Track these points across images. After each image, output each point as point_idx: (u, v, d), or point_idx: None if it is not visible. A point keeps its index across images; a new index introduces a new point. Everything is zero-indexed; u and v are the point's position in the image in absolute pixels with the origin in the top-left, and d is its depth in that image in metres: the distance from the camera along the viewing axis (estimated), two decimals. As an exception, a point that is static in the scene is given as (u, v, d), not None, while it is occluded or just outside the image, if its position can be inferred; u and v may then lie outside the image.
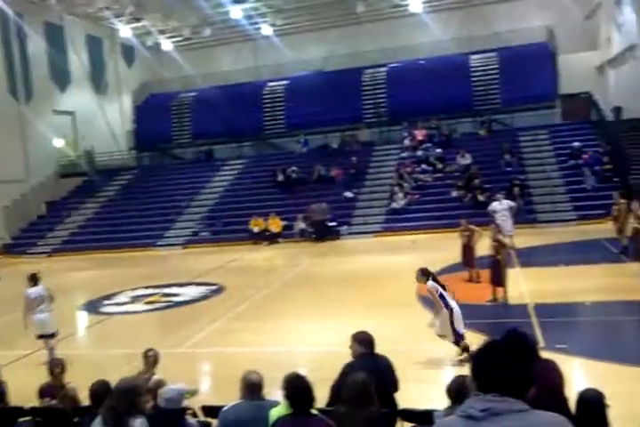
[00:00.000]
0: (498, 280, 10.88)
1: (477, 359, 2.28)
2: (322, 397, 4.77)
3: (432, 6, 31.40)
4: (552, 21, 29.14)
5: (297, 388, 4.37)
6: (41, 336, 9.60)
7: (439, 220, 21.22)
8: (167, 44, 34.46)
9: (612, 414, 3.81)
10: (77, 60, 32.30)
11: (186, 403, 5.22)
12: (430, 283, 8.18)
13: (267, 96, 32.09)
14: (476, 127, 27.83)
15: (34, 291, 9.73)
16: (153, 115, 32.70)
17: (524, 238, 16.68)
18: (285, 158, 28.58)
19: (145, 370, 6.42)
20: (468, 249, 12.96)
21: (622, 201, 15.52)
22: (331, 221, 22.87)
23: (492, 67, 29.13)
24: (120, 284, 16.42)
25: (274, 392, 4.86)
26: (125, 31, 32.32)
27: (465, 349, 7.99)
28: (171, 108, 33.26)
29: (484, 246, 12.00)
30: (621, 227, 15.00)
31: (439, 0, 31.33)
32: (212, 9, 30.02)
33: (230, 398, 5.08)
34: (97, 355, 10.44)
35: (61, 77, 31.38)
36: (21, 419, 5.77)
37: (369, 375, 4.58)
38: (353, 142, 28.66)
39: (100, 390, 5.13)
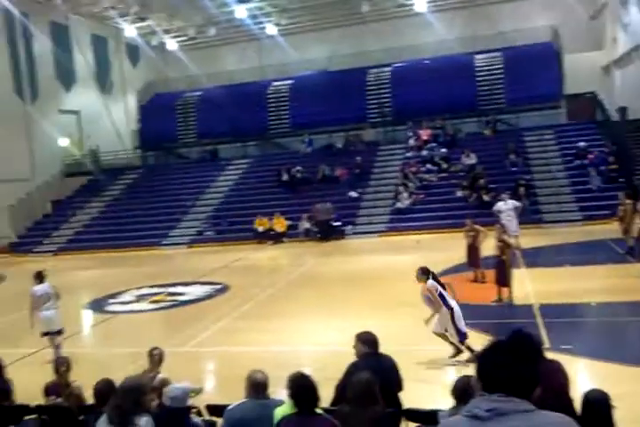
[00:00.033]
0: (503, 280, 10.86)
1: (483, 359, 2.28)
2: (326, 396, 4.78)
3: (437, 6, 31.37)
4: (557, 21, 29.07)
5: (302, 387, 4.38)
6: (46, 334, 9.64)
7: (444, 220, 21.20)
8: (172, 44, 34.53)
9: (618, 414, 3.80)
10: (83, 60, 32.40)
11: (191, 402, 5.23)
12: (430, 282, 8.19)
13: (271, 96, 32.11)
14: (481, 127, 27.79)
15: (40, 288, 9.77)
16: (158, 114, 32.75)
17: (529, 239, 16.65)
18: (290, 158, 28.59)
19: (150, 369, 6.43)
20: (473, 249, 12.94)
21: (628, 201, 15.47)
22: (335, 221, 22.87)
23: (496, 66, 29.07)
24: (125, 283, 16.47)
25: (279, 391, 4.87)
26: (130, 31, 32.40)
27: (468, 348, 7.99)
28: (176, 107, 33.31)
29: (489, 247, 11.98)
30: (627, 227, 14.95)
31: (444, 0, 31.31)
32: (217, 8, 30.06)
33: (235, 397, 5.09)
34: (102, 353, 10.47)
35: (67, 77, 31.48)
36: (27, 417, 5.79)
37: (373, 375, 4.59)
38: (357, 142, 28.65)
39: (105, 389, 5.15)
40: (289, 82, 32.24)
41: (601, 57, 29.27)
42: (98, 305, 14.32)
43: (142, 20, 31.38)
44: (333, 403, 4.99)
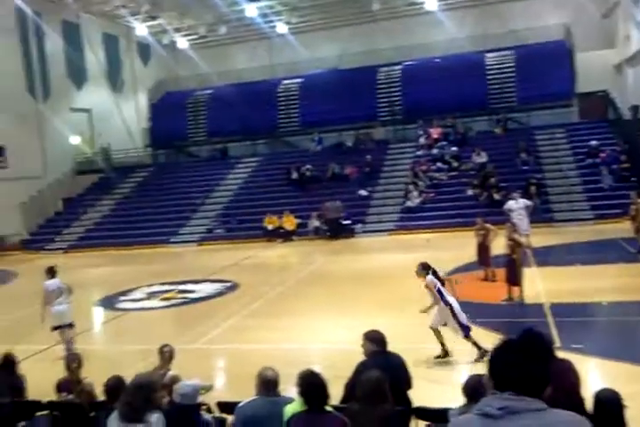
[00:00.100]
0: (513, 279, 10.83)
1: (494, 358, 2.28)
2: (336, 394, 4.79)
3: (447, 4, 31.25)
4: (569, 19, 28.90)
5: (311, 385, 4.39)
6: (57, 328, 9.72)
7: (454, 218, 21.14)
8: (183, 43, 34.60)
9: (629, 414, 3.78)
10: (94, 59, 32.55)
11: (201, 399, 5.26)
12: (429, 277, 8.28)
13: (281, 94, 32.13)
14: (492, 126, 27.67)
15: (52, 283, 9.89)
16: (169, 112, 32.86)
17: (540, 237, 16.55)
18: (300, 156, 28.60)
19: (160, 366, 6.46)
20: (483, 248, 12.90)
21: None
22: (345, 219, 22.86)
23: (508, 65, 28.93)
24: (135, 280, 16.55)
25: (289, 389, 4.88)
26: (141, 29, 32.51)
27: (475, 344, 8.01)
28: (186, 105, 33.40)
29: (499, 245, 11.94)
30: (639, 226, 14.86)
31: (455, -2, 31.23)
32: (228, 7, 30.10)
33: (245, 394, 5.10)
34: (113, 351, 10.53)
35: (78, 75, 31.65)
36: (39, 413, 5.84)
37: (383, 373, 4.59)
38: (367, 140, 28.61)
39: (115, 386, 5.19)
40: (299, 80, 32.24)
41: (613, 55, 29.04)
42: (109, 302, 14.40)
43: (153, 18, 31.48)
44: (343, 401, 5.00)
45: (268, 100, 31.39)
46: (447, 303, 8.11)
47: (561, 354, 4.73)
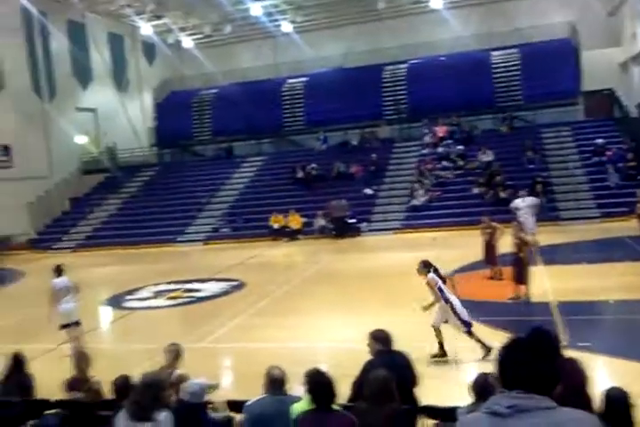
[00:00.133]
0: (520, 278, 10.81)
1: (502, 357, 2.28)
2: (342, 393, 4.80)
3: (453, 2, 31.18)
4: (574, 17, 28.77)
5: (318, 383, 4.41)
6: (64, 326, 9.77)
7: (460, 217, 21.10)
8: (188, 42, 34.65)
9: (638, 413, 3.77)
10: (99, 58, 32.64)
11: (207, 397, 5.28)
12: (430, 275, 8.31)
13: (286, 93, 32.13)
14: (497, 124, 27.61)
15: (59, 282, 9.93)
16: (174, 112, 32.91)
17: (546, 236, 16.50)
18: (305, 155, 28.61)
19: (168, 365, 6.48)
20: (489, 247, 12.89)
21: (646, 198, 15.33)
22: (350, 218, 22.86)
23: (513, 63, 28.85)
24: (142, 279, 16.60)
25: (296, 388, 4.90)
26: (146, 29, 32.58)
27: (479, 341, 8.03)
28: (191, 105, 33.45)
29: (506, 244, 11.92)
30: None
31: (460, -4, 31.15)
32: (233, 6, 30.12)
33: (252, 392, 5.12)
34: (120, 349, 10.57)
35: (84, 75, 31.74)
36: (47, 412, 5.87)
37: (389, 372, 4.60)
38: (373, 139, 28.60)
39: (123, 385, 5.22)
40: (304, 79, 32.23)
41: (619, 53, 28.90)
42: (116, 301, 14.45)
43: (158, 18, 31.53)
44: (350, 400, 5.01)
45: (272, 99, 31.40)
46: (447, 301, 8.15)
47: (568, 352, 4.72)
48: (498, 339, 6.40)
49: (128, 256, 22.56)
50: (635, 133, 24.13)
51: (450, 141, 26.26)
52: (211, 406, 5.38)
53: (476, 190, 23.02)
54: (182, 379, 5.66)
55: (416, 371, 5.45)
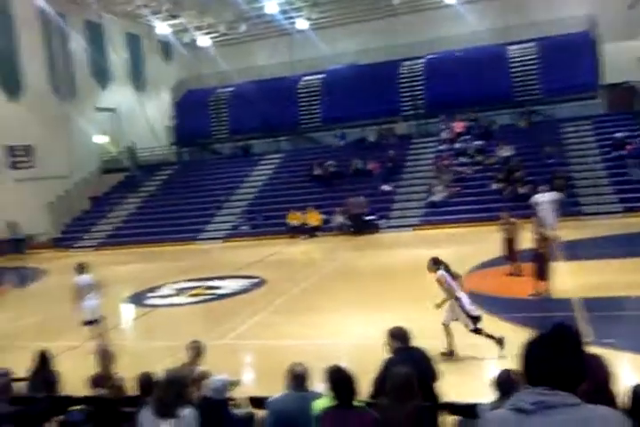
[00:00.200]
0: (541, 274, 10.73)
1: (526, 353, 2.27)
2: (363, 390, 4.81)
3: (468, -3, 30.96)
4: (593, 10, 28.38)
5: (339, 380, 4.43)
6: (88, 323, 9.93)
7: (479, 213, 20.97)
8: (203, 41, 34.77)
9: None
10: (117, 58, 32.92)
11: (229, 394, 5.33)
12: (440, 272, 8.29)
13: (302, 90, 32.13)
14: (515, 119, 27.37)
15: (82, 279, 10.08)
16: (191, 111, 33.08)
17: (568, 231, 16.34)
18: (322, 152, 28.61)
19: (190, 362, 6.54)
20: (509, 242, 12.81)
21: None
22: (369, 215, 22.83)
23: (531, 57, 28.56)
24: (163, 277, 16.73)
25: (317, 384, 4.92)
26: (162, 28, 32.75)
27: (488, 336, 8.00)
28: (208, 103, 33.58)
29: (526, 240, 11.83)
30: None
31: (476, -10, 30.90)
32: (248, 4, 30.17)
33: (273, 389, 5.16)
34: (142, 346, 10.69)
35: (102, 75, 32.04)
36: (72, 408, 5.96)
37: (411, 369, 4.61)
38: (390, 135, 28.51)
39: (146, 382, 5.29)
40: (320, 76, 32.20)
41: (639, 46, 28.47)
42: (138, 299, 14.59)
43: (174, 17, 31.67)
44: (371, 398, 5.03)
45: (289, 97, 31.42)
46: (457, 298, 8.12)
47: (592, 349, 4.68)
48: (519, 336, 6.37)
49: (149, 254, 22.76)
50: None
51: (467, 137, 26.10)
52: (232, 402, 5.42)
53: (494, 186, 22.86)
54: (204, 376, 5.72)
55: (436, 366, 5.46)
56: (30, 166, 27.41)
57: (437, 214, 22.47)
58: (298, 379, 4.77)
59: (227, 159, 31.36)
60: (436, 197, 23.15)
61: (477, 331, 8.09)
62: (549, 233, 11.62)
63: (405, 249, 18.81)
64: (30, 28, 27.61)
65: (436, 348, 7.27)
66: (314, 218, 23.30)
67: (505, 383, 4.20)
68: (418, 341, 5.71)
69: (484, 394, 4.90)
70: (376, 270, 15.40)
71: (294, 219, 23.35)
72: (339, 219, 23.05)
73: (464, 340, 8.23)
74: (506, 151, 24.34)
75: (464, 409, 4.91)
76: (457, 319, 8.20)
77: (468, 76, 27.51)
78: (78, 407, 5.86)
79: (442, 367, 5.66)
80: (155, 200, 28.80)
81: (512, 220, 12.97)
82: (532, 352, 2.25)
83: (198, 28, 33.58)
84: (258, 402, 5.34)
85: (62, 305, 11.04)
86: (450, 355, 8.10)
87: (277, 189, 26.71)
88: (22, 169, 27.04)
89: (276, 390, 5.14)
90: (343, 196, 23.55)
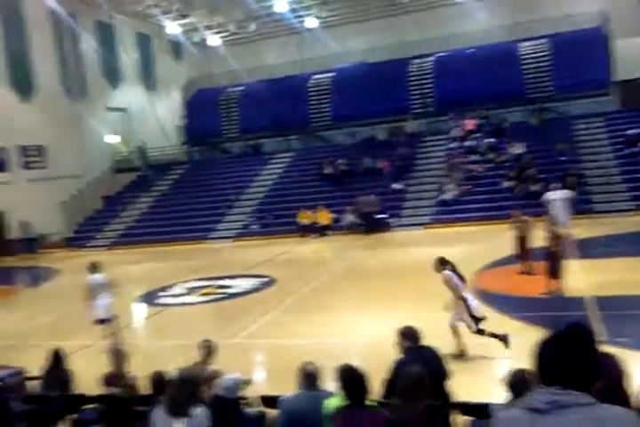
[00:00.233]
0: (553, 272, 10.67)
1: (539, 352, 2.26)
2: (375, 389, 4.80)
3: (479, -7, 30.79)
4: (605, 6, 28.14)
5: (351, 379, 4.43)
6: (101, 322, 9.99)
7: (490, 211, 20.88)
8: (213, 40, 34.85)
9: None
10: (128, 58, 33.07)
11: (241, 393, 5.34)
12: (445, 272, 8.24)
13: (312, 89, 32.12)
14: (527, 116, 27.20)
15: (95, 278, 10.16)
16: (202, 110, 33.16)
17: (580, 229, 16.22)
18: (332, 151, 28.60)
19: (201, 361, 6.56)
20: (521, 241, 12.74)
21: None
22: (380, 214, 22.79)
23: (542, 54, 28.38)
24: (175, 276, 16.79)
25: (329, 383, 4.93)
26: (172, 28, 32.86)
27: (493, 335, 7.97)
28: (219, 102, 33.65)
29: (538, 238, 11.76)
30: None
31: (487, -13, 30.73)
32: (257, 3, 30.20)
33: (284, 388, 5.17)
34: (154, 345, 10.74)
35: (113, 75, 32.20)
36: (85, 406, 6.00)
37: (423, 368, 4.60)
38: (400, 134, 28.44)
39: (158, 381, 5.31)
40: (330, 74, 32.18)
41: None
42: (150, 298, 14.66)
43: (184, 17, 31.79)
44: (383, 398, 5.02)
45: (299, 96, 31.41)
46: (463, 298, 8.09)
47: (605, 348, 4.65)
48: (531, 335, 6.35)
49: (160, 253, 22.86)
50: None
51: (478, 135, 25.98)
52: (244, 401, 5.44)
53: (506, 184, 22.75)
54: (216, 375, 5.74)
55: (447, 365, 5.45)
56: (43, 166, 27.62)
57: (448, 213, 22.39)
58: (309, 378, 4.78)
59: (237, 158, 31.42)
60: (447, 196, 23.07)
61: (480, 332, 8.05)
62: (561, 231, 11.54)
63: (416, 248, 18.76)
64: (42, 28, 27.80)
65: (447, 347, 7.23)
66: (324, 217, 23.29)
67: (518, 383, 4.18)
68: (428, 340, 5.69)
69: (494, 393, 4.88)
70: (387, 269, 15.37)
71: (305, 218, 23.36)
72: (349, 218, 23.03)
73: (474, 339, 8.20)
74: (517, 149, 24.21)
75: (476, 409, 4.90)
76: (461, 319, 8.16)
77: (478, 74, 27.36)
78: (91, 406, 5.91)
79: (452, 367, 5.65)
80: (166, 200, 28.91)
81: (524, 218, 12.90)
82: (545, 352, 2.23)
83: (208, 28, 33.66)
84: (269, 401, 5.35)
85: (75, 304, 11.12)
86: (461, 356, 8.06)
87: (288, 187, 26.73)
88: (35, 169, 27.25)
89: (287, 389, 5.15)
90: (354, 194, 23.53)
